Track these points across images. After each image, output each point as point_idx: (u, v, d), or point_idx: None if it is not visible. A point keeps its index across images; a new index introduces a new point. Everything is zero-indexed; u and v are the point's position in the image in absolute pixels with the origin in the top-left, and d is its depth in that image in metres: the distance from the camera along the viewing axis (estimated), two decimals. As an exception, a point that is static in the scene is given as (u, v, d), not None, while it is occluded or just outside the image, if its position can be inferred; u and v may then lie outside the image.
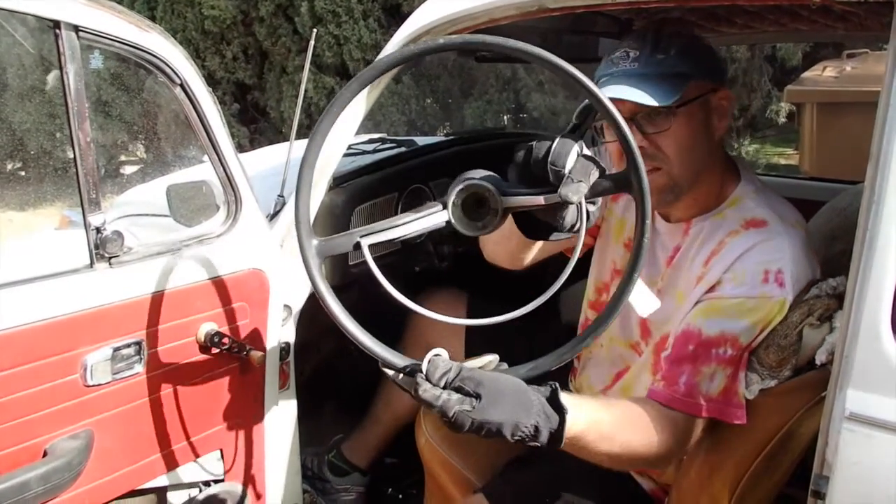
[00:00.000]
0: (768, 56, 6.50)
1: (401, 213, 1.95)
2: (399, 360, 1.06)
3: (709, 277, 1.25)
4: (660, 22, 1.36)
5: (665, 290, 1.36)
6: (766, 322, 1.18)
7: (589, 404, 1.14)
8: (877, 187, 0.92)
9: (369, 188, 1.87)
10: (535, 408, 1.01)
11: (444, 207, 1.10)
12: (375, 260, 1.92)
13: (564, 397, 1.04)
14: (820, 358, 1.09)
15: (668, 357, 1.25)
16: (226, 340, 1.45)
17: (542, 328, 1.58)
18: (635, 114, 1.23)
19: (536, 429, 1.01)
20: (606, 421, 1.13)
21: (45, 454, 1.25)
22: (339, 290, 1.78)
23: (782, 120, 6.45)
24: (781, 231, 1.23)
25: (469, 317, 1.75)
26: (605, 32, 2.00)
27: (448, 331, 1.67)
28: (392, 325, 2.01)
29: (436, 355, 1.02)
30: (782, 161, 6.73)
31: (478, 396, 0.98)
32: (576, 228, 1.03)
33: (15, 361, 1.18)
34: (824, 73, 4.26)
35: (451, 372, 1.00)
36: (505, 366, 1.07)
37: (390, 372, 1.07)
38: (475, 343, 1.78)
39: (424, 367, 1.01)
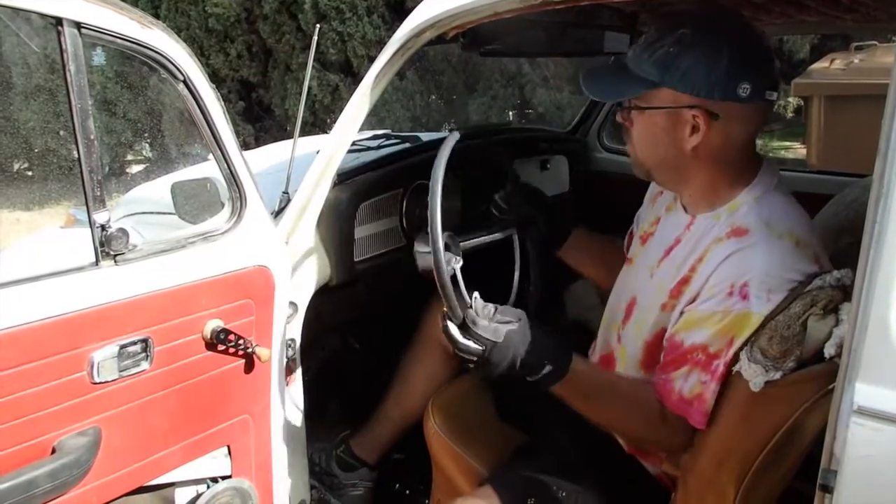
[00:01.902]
0: (775, 49, 6.48)
1: (405, 209, 1.96)
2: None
3: (692, 287, 1.31)
4: (686, 21, 1.31)
5: (653, 272, 1.44)
6: (732, 332, 1.23)
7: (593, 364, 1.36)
8: (885, 180, 0.91)
9: (374, 184, 1.86)
10: (551, 346, 1.26)
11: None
12: (379, 257, 1.93)
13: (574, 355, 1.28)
14: (829, 351, 1.08)
15: (661, 362, 1.34)
16: (232, 337, 1.45)
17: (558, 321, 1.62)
18: None
19: (543, 364, 1.24)
20: (604, 381, 1.37)
21: (53, 451, 1.25)
22: (344, 287, 1.80)
23: (790, 115, 6.43)
24: (759, 241, 1.25)
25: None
26: (611, 26, 1.99)
27: None
28: (398, 321, 2.01)
29: (477, 296, 1.26)
30: (789, 156, 6.71)
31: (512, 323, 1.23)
32: None
33: (23, 359, 1.19)
34: (832, 66, 4.24)
35: (490, 308, 1.24)
36: None
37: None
38: None
39: (473, 303, 1.24)
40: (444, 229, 1.33)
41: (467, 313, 1.21)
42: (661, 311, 1.37)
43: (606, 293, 1.85)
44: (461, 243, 1.43)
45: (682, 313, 1.32)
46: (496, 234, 1.54)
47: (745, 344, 1.21)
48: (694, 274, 1.31)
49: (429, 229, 1.23)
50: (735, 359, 1.22)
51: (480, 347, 1.21)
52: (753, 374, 1.16)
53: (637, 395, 1.37)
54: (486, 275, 1.54)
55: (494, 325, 1.21)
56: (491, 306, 1.25)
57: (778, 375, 1.14)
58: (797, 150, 6.69)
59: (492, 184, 1.99)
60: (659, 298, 1.37)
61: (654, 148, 1.36)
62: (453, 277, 1.26)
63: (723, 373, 1.25)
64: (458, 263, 1.33)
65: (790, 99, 6.12)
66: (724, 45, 1.25)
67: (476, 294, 1.25)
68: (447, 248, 1.34)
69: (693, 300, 1.30)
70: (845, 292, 1.17)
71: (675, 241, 1.41)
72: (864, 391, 0.94)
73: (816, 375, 1.11)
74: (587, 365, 1.38)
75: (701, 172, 1.34)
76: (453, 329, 1.22)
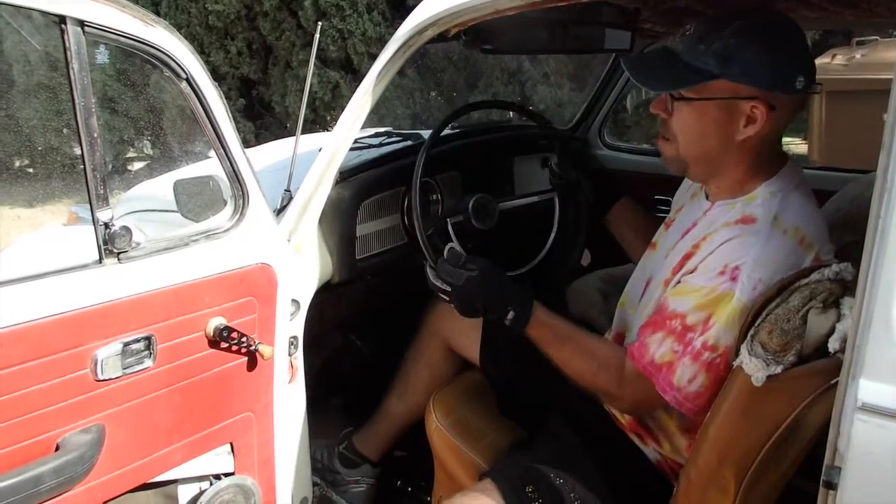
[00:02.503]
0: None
1: (407, 207, 1.96)
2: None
3: (691, 262, 1.34)
4: (738, 14, 1.31)
5: (668, 254, 1.47)
6: (710, 309, 1.26)
7: (558, 317, 1.47)
8: (889, 175, 0.91)
9: (376, 182, 1.86)
10: (514, 292, 1.45)
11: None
12: (381, 255, 1.94)
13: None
14: (833, 346, 1.09)
15: (644, 321, 1.41)
16: (234, 335, 1.45)
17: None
18: None
19: (507, 309, 1.43)
20: (567, 332, 1.47)
21: (57, 448, 1.25)
22: (346, 284, 1.80)
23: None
24: (762, 231, 1.28)
25: None
26: (612, 23, 1.99)
27: (465, 323, 1.68)
28: (400, 318, 2.01)
29: (451, 247, 1.55)
30: (791, 152, 6.70)
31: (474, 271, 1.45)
32: None
33: (27, 356, 1.19)
34: (833, 61, 4.23)
35: (461, 257, 1.49)
36: None
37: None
38: (492, 332, 1.79)
39: (445, 254, 1.52)
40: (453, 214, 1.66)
41: (439, 259, 1.50)
42: (663, 287, 1.40)
43: (609, 290, 1.86)
44: (500, 204, 1.61)
45: (678, 282, 1.35)
46: (534, 197, 1.66)
47: (742, 337, 1.21)
48: (697, 250, 1.35)
49: (412, 187, 1.56)
50: (735, 352, 1.23)
51: (447, 288, 1.48)
52: (755, 369, 1.16)
53: (598, 347, 1.46)
54: (522, 237, 1.61)
55: (458, 270, 1.46)
56: (462, 256, 1.50)
57: (779, 369, 1.15)
58: (799, 146, 6.69)
59: (491, 180, 2.00)
60: (665, 275, 1.41)
61: (702, 139, 1.34)
62: (444, 230, 1.59)
63: (697, 351, 1.27)
64: (485, 226, 1.62)
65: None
66: (782, 38, 1.27)
67: (451, 244, 1.55)
68: (482, 209, 1.62)
69: (690, 273, 1.33)
70: (844, 286, 1.18)
71: (691, 224, 1.44)
72: (868, 387, 0.94)
73: (818, 370, 1.12)
74: (552, 316, 1.48)
75: (738, 165, 1.36)
76: (429, 271, 1.53)
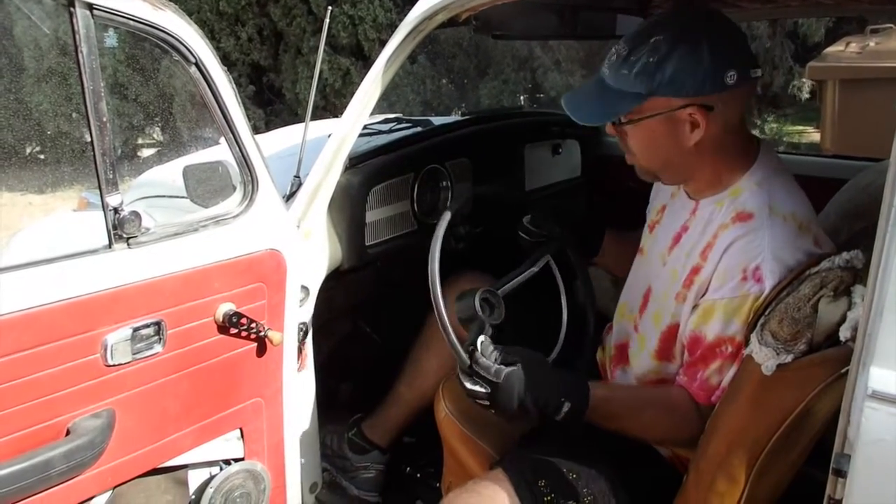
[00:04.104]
0: (790, 32, 6.42)
1: (417, 193, 1.95)
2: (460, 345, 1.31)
3: (702, 276, 1.33)
4: (659, 23, 1.34)
5: (665, 260, 1.45)
6: (750, 316, 1.25)
7: (611, 385, 1.41)
8: (902, 163, 0.90)
9: (385, 168, 1.86)
10: (566, 382, 1.31)
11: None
12: (390, 241, 1.93)
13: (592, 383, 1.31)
14: (844, 334, 1.08)
15: (687, 361, 1.36)
16: (244, 321, 1.46)
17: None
18: None
19: (561, 402, 1.27)
20: (627, 398, 1.39)
21: (67, 433, 1.26)
22: (355, 271, 1.80)
23: (805, 96, 6.36)
24: (763, 224, 1.27)
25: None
26: (624, 9, 1.97)
27: None
28: (409, 304, 2.01)
29: (482, 341, 1.30)
30: (803, 140, 6.65)
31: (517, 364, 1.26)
32: None
33: (37, 341, 1.20)
34: (847, 49, 4.18)
35: (495, 352, 1.29)
36: None
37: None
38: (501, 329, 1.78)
39: (479, 346, 1.29)
40: (462, 224, 1.56)
41: (473, 356, 1.28)
42: (675, 302, 1.38)
43: (619, 278, 1.84)
44: (499, 290, 1.43)
45: (695, 306, 1.33)
46: (532, 268, 1.51)
47: (753, 326, 1.21)
48: (704, 262, 1.33)
49: (430, 291, 1.33)
50: (746, 341, 1.22)
51: (485, 390, 1.27)
52: (765, 358, 1.16)
53: (664, 399, 1.39)
54: (533, 309, 1.54)
55: (496, 366, 1.26)
56: (495, 348, 1.29)
57: (789, 358, 1.14)
58: (811, 134, 6.64)
59: (502, 168, 1.97)
60: (673, 287, 1.39)
61: (657, 152, 1.37)
62: (482, 326, 1.34)
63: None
64: (495, 321, 1.37)
65: (804, 81, 6.06)
66: (701, 41, 1.26)
67: (482, 338, 1.30)
68: (487, 306, 1.38)
69: (704, 291, 1.32)
70: (855, 274, 1.17)
71: (682, 227, 1.43)
72: (879, 375, 0.94)
73: (829, 359, 1.11)
74: (605, 388, 1.44)
75: (704, 165, 1.36)
76: (462, 375, 1.29)
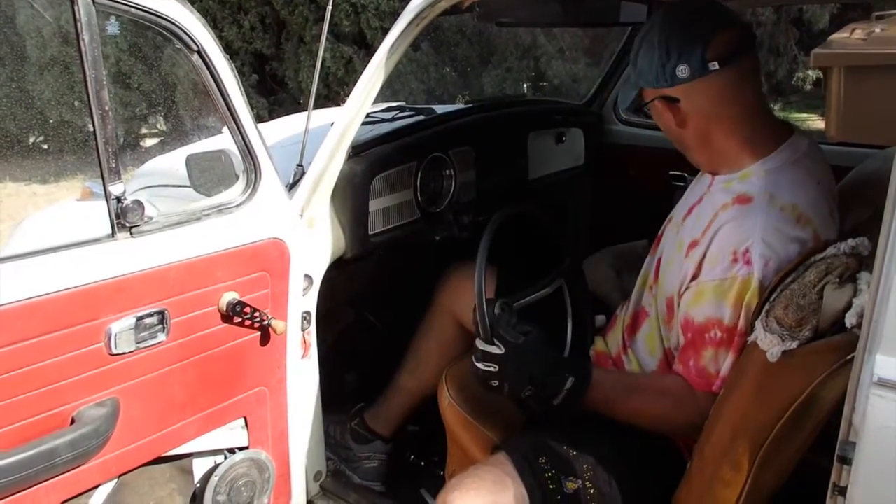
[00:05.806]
0: (795, 19, 6.38)
1: (420, 182, 1.95)
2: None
3: (696, 252, 1.36)
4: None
5: (679, 228, 1.48)
6: (740, 299, 1.27)
7: (607, 370, 1.45)
8: (908, 149, 0.89)
9: (388, 157, 1.85)
10: (568, 359, 1.42)
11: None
12: (393, 230, 1.92)
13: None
14: (850, 321, 1.07)
15: (681, 345, 1.39)
16: (247, 310, 1.46)
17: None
18: None
19: (565, 377, 1.34)
20: (618, 381, 1.45)
21: (72, 422, 1.27)
22: (358, 260, 1.80)
23: (808, 87, 6.34)
24: (760, 209, 1.30)
25: (498, 289, 1.76)
26: (627, -5, 1.96)
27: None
28: (412, 293, 2.01)
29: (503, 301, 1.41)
30: (809, 128, 6.63)
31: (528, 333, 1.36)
32: None
33: (41, 330, 1.20)
34: (852, 36, 4.16)
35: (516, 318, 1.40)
36: None
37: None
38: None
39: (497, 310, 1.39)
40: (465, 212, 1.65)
41: (499, 313, 1.38)
42: (676, 269, 1.42)
43: (621, 266, 1.84)
44: (514, 304, 1.49)
45: (687, 288, 1.35)
46: (546, 289, 1.59)
47: (758, 313, 1.20)
48: (701, 238, 1.36)
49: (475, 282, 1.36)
50: (751, 328, 1.22)
51: (499, 352, 1.33)
52: (770, 344, 1.15)
53: (656, 384, 1.44)
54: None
55: (515, 331, 1.35)
56: (514, 317, 1.40)
57: (794, 345, 1.13)
58: (816, 122, 6.61)
59: (506, 156, 1.96)
60: (678, 256, 1.42)
61: (667, 135, 1.48)
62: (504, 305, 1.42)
63: (739, 343, 1.28)
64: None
65: (809, 71, 6.03)
66: (655, 36, 1.35)
67: (502, 299, 1.41)
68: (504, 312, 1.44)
69: (697, 271, 1.34)
70: (860, 261, 1.16)
71: (698, 199, 1.47)
72: (885, 363, 0.93)
73: (834, 346, 1.10)
74: (604, 371, 1.50)
75: (705, 148, 1.43)
76: (479, 342, 1.36)
